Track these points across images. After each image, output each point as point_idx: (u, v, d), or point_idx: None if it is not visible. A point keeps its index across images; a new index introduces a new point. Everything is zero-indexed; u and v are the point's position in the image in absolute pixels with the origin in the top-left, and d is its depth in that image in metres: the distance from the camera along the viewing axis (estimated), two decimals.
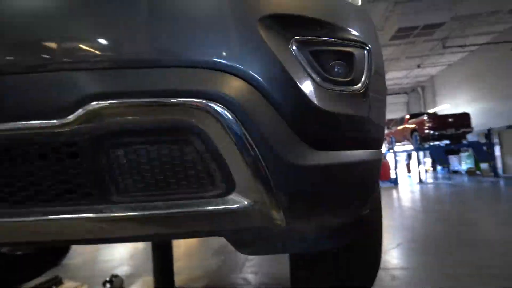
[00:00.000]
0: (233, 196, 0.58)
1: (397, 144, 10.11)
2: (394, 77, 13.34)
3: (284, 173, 0.57)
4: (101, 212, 0.55)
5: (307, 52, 0.64)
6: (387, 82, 9.85)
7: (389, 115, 11.84)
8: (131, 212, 0.56)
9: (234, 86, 0.54)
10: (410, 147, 10.07)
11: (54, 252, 1.76)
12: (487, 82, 10.25)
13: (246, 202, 0.57)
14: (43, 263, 1.66)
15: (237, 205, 0.57)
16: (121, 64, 0.52)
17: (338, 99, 0.66)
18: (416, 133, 9.58)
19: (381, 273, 1.55)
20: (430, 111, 13.11)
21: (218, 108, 0.52)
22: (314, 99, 0.61)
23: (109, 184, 0.55)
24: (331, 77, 0.66)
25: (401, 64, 11.76)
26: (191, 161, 0.57)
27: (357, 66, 0.70)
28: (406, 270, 1.67)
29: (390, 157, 8.82)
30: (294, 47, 0.62)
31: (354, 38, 0.69)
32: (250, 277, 1.69)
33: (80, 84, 0.50)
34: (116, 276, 1.61)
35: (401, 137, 10.60)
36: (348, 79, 0.68)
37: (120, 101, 0.50)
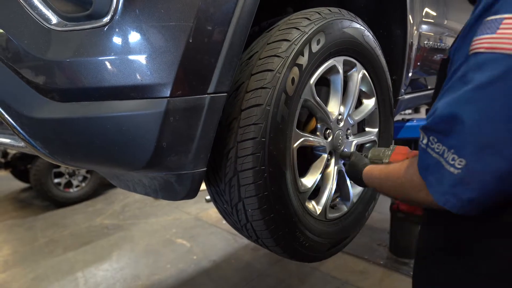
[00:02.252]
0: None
1: None
2: None
3: (25, 124, 0.69)
4: None
5: None
6: None
7: None
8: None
9: None
10: None
11: None
12: None
13: (21, 144, 0.76)
14: None
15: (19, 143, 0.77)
16: None
17: (69, 40, 0.62)
18: None
19: None
20: None
21: None
22: (36, 46, 0.63)
23: None
24: (63, 15, 0.62)
25: None
26: None
27: None
28: None
29: None
30: None
31: None
32: None
33: None
34: None
35: None
36: (85, 13, 0.60)
37: None
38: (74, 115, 0.65)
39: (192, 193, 0.78)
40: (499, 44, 0.44)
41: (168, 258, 2.59)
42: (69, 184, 3.80)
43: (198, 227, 3.15)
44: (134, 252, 2.72)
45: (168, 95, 0.63)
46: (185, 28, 0.62)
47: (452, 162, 0.47)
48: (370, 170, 0.79)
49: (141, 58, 0.62)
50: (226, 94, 0.71)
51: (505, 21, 0.45)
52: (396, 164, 0.67)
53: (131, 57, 0.61)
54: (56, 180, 3.68)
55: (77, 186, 3.85)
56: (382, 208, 2.35)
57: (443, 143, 0.49)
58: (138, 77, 0.62)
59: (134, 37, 0.61)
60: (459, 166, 0.46)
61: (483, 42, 0.46)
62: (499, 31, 0.45)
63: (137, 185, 0.88)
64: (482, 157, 0.45)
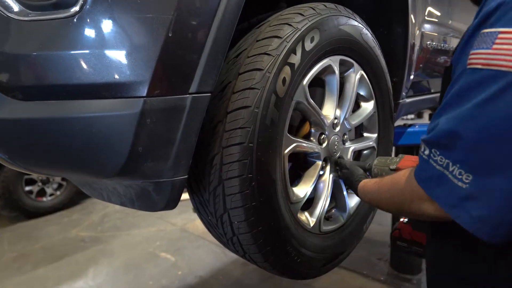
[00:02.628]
0: None
1: None
2: None
3: None
4: None
5: None
6: None
7: None
8: None
9: None
10: None
11: None
12: None
13: None
14: None
15: None
16: None
17: (33, 32, 0.60)
18: None
19: None
20: None
21: None
22: None
23: None
24: (26, 2, 0.60)
25: None
26: None
27: None
28: None
29: None
30: None
31: None
32: None
33: None
34: None
35: None
36: (51, 1, 0.59)
37: None
38: (38, 116, 0.63)
39: (172, 203, 0.76)
40: (495, 61, 0.46)
41: (150, 274, 2.54)
42: (42, 193, 3.72)
43: (184, 239, 3.10)
44: (112, 267, 2.66)
45: (144, 94, 0.62)
46: (164, 20, 0.60)
47: (459, 177, 0.49)
48: (365, 184, 0.80)
49: (114, 53, 0.60)
50: (210, 94, 0.70)
51: (500, 35, 0.46)
52: (392, 176, 0.68)
53: (103, 51, 0.59)
54: (27, 188, 3.60)
55: (51, 195, 3.77)
56: (382, 220, 2.34)
57: (446, 157, 0.50)
58: (111, 74, 0.60)
59: (107, 29, 0.59)
60: (467, 181, 0.48)
61: (479, 57, 0.48)
62: (494, 46, 0.46)
63: (112, 194, 0.86)
64: (487, 174, 0.47)
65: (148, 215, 3.65)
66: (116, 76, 0.60)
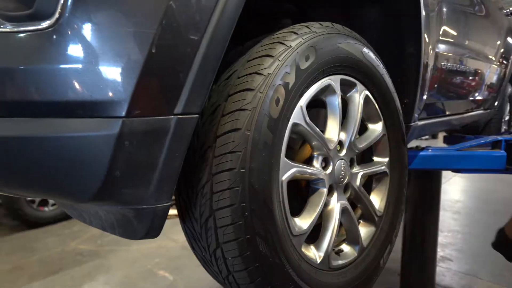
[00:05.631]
0: None
1: None
2: None
3: None
4: None
5: None
6: None
7: None
8: None
9: None
10: None
11: None
12: None
13: None
14: None
15: None
16: None
17: (4, 44, 0.56)
18: None
19: None
20: None
21: None
22: None
23: None
24: None
25: None
26: None
27: None
28: None
29: None
30: None
31: None
32: None
33: None
34: None
35: None
36: (26, 12, 0.55)
37: None
38: (4, 134, 0.58)
39: (153, 231, 0.70)
40: None
41: None
42: (44, 202, 3.70)
43: (185, 257, 3.02)
44: (108, 284, 2.60)
45: (123, 114, 0.57)
46: (147, 36, 0.56)
47: None
48: None
49: (91, 69, 0.55)
50: (197, 116, 0.64)
51: None
52: None
53: (79, 67, 0.55)
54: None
55: (53, 205, 3.76)
56: None
57: None
58: (87, 91, 0.56)
59: (84, 43, 0.55)
60: None
61: None
62: None
63: (93, 218, 0.81)
64: None
65: None
66: (92, 94, 0.56)
